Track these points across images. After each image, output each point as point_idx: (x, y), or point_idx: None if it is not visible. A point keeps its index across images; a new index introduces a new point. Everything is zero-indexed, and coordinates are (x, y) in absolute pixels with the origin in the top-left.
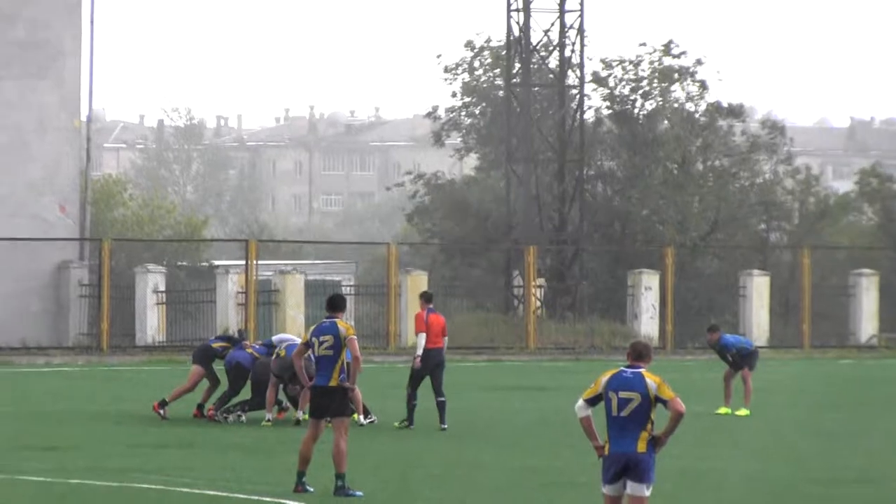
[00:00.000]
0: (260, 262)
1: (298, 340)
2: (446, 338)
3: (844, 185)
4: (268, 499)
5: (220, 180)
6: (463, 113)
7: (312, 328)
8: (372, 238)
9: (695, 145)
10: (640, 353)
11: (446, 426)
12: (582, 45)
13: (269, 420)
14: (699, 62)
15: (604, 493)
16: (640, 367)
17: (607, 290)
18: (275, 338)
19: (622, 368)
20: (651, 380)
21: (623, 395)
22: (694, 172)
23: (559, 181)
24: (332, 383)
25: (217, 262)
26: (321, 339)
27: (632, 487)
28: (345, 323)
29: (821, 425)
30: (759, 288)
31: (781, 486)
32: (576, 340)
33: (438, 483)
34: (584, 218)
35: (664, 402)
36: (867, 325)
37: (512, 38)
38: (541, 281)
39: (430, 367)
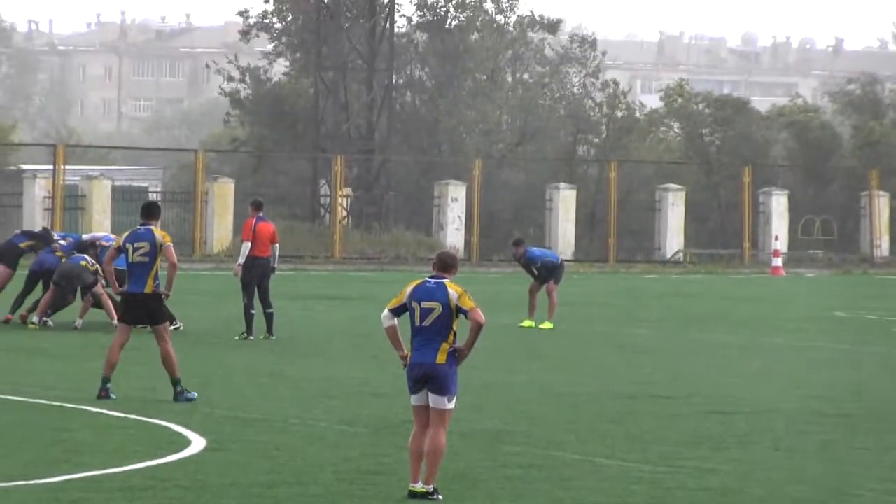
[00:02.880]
0: (67, 167)
1: (112, 238)
2: (276, 245)
3: (653, 100)
4: (69, 405)
5: (29, 84)
6: (274, 18)
7: (127, 234)
8: (180, 145)
9: (505, 57)
10: (445, 263)
11: (274, 336)
12: None
13: (38, 323)
14: None
15: (411, 404)
16: (444, 278)
17: (414, 200)
18: (86, 236)
19: (426, 279)
20: (453, 290)
21: (425, 305)
22: (503, 84)
23: (368, 90)
24: (148, 290)
25: (25, 167)
26: (136, 245)
27: (433, 400)
28: (160, 231)
29: (625, 340)
30: (565, 201)
31: (584, 399)
32: (381, 251)
33: (237, 391)
34: (392, 127)
35: (465, 313)
36: (673, 240)
37: None
38: (347, 190)
39: (257, 275)
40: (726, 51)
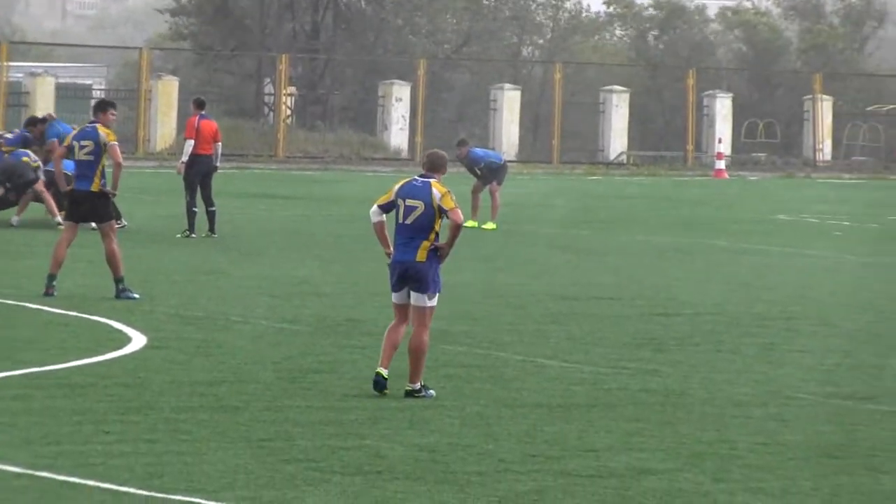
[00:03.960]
0: (11, 63)
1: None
2: (219, 143)
3: (598, 2)
4: (11, 301)
5: None
6: None
7: (75, 132)
8: (125, 43)
9: None
10: (433, 163)
11: (216, 235)
12: None
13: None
14: None
15: (392, 301)
16: (432, 178)
17: (358, 100)
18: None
19: (415, 177)
20: (437, 189)
21: (409, 202)
22: None
23: None
24: (94, 188)
25: None
26: (82, 143)
27: (414, 297)
28: (106, 129)
29: (569, 241)
30: (510, 102)
31: (527, 300)
32: (325, 150)
33: (178, 289)
34: (338, 27)
35: (445, 213)
36: (616, 142)
37: None
38: (292, 89)
39: (200, 173)
40: None
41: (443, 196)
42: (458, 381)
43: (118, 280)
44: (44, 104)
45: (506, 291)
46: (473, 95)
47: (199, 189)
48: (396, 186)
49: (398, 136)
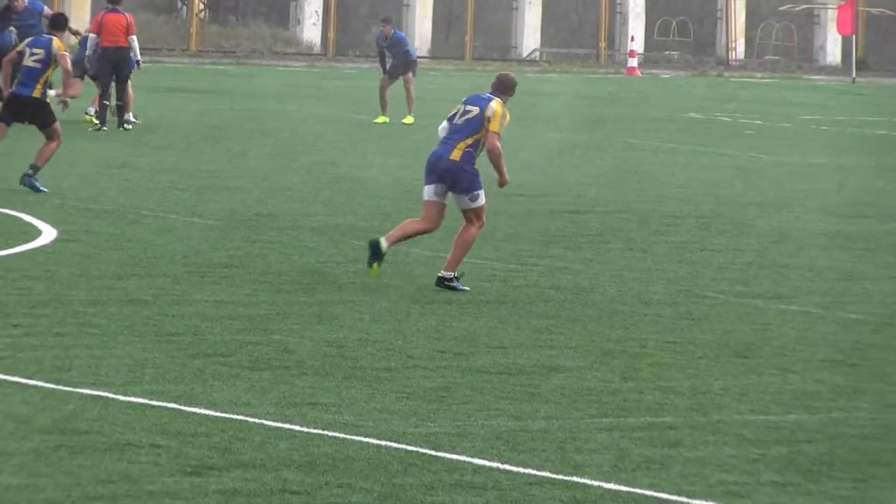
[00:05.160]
0: None
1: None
2: (133, 37)
3: None
4: None
5: None
6: None
7: (30, 39)
8: None
9: None
10: (502, 84)
11: (129, 127)
12: None
13: None
14: None
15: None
16: (498, 97)
17: None
18: None
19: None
20: (495, 104)
21: (469, 107)
22: None
23: None
24: (36, 94)
25: None
26: (33, 50)
27: (457, 200)
28: (60, 42)
29: None
30: None
31: None
32: (238, 45)
33: (88, 182)
34: None
35: (485, 129)
36: (530, 39)
37: None
38: None
39: (109, 66)
40: None
41: (495, 113)
42: (367, 277)
43: (34, 167)
44: None
45: (415, 187)
46: None
47: (112, 81)
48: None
49: (311, 31)
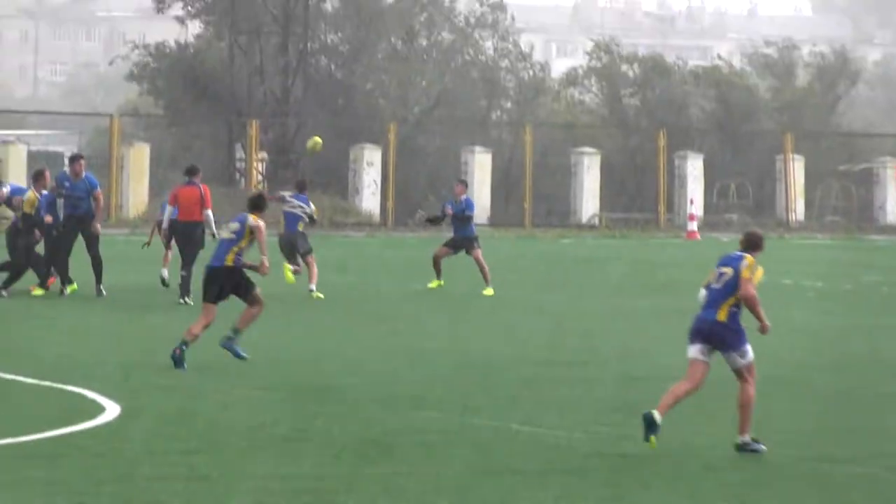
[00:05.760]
0: None
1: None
2: (208, 211)
3: (568, 63)
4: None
5: None
6: None
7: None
8: (96, 109)
9: (419, 20)
10: (750, 241)
11: (189, 302)
12: None
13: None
14: None
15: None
16: (748, 253)
17: (330, 165)
18: (4, 189)
19: (736, 252)
20: (746, 260)
21: (722, 269)
22: (417, 48)
23: (282, 54)
24: (228, 263)
25: None
26: (230, 225)
27: (727, 359)
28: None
29: (541, 305)
30: (481, 165)
31: (500, 365)
32: None
33: (151, 358)
34: (307, 91)
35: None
36: (588, 204)
37: None
38: (263, 154)
39: (179, 238)
40: (641, 13)
41: (749, 264)
42: (432, 448)
43: (236, 331)
44: (17, 172)
45: (478, 357)
46: (444, 159)
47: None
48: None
49: (370, 200)
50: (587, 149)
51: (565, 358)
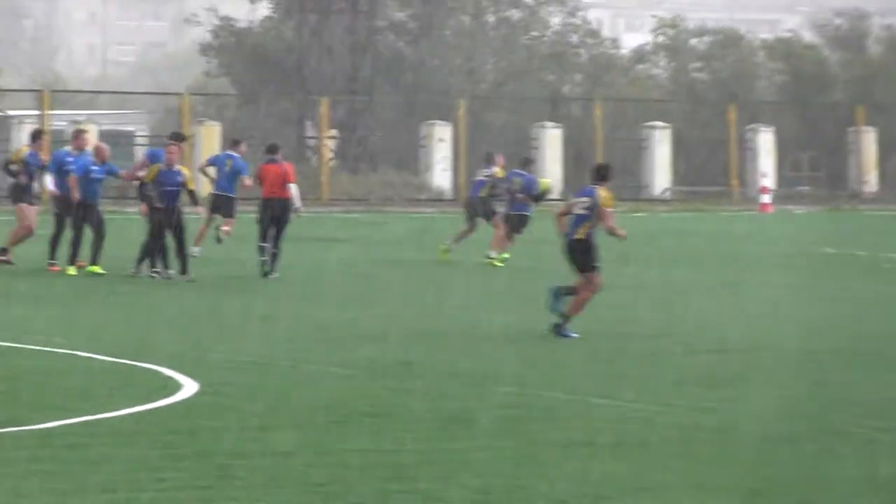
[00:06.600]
0: (54, 112)
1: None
2: (293, 185)
3: (637, 38)
4: (62, 350)
5: (14, 30)
6: None
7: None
8: (166, 88)
9: None
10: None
11: (276, 274)
12: None
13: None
14: None
15: None
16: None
17: (400, 141)
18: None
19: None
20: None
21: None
22: (485, 24)
23: (351, 32)
24: (579, 236)
25: (11, 112)
26: (580, 199)
27: None
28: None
29: (614, 279)
30: (551, 141)
31: (575, 339)
32: (369, 192)
33: (228, 334)
34: (376, 69)
35: None
36: (660, 178)
37: None
38: (333, 132)
39: (266, 215)
40: None
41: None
42: (510, 422)
43: (564, 317)
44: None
45: (526, 332)
46: (514, 134)
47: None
48: None
49: (441, 176)
50: (657, 123)
51: (640, 331)
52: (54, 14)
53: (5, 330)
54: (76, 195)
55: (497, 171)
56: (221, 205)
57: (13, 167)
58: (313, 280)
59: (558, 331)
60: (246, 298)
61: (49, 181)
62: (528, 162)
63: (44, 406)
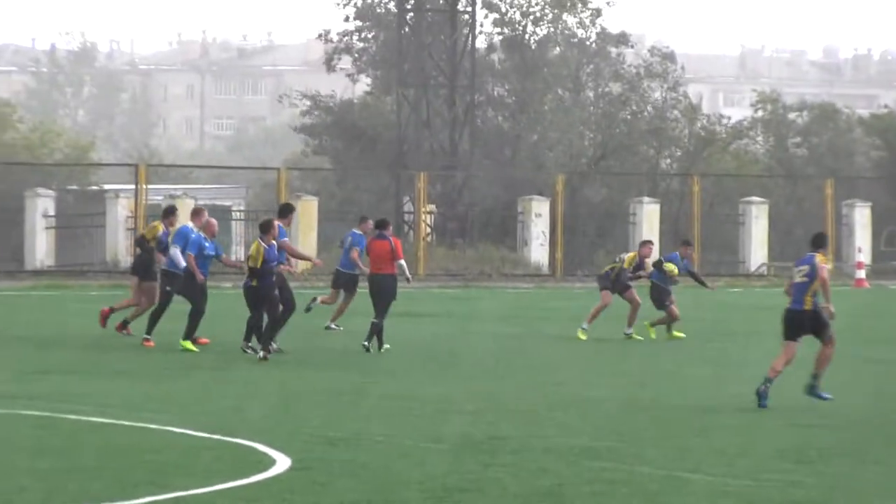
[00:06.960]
0: (150, 186)
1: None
2: (401, 262)
3: (736, 112)
4: (153, 426)
5: (111, 104)
6: (355, 37)
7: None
8: (263, 163)
9: (585, 71)
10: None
11: (387, 346)
12: None
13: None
14: None
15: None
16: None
17: (497, 216)
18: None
19: None
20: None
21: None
22: (584, 99)
23: (450, 106)
24: (807, 307)
25: (107, 187)
26: (800, 268)
27: None
28: (823, 256)
29: (710, 353)
30: (649, 215)
31: (669, 414)
32: (466, 267)
33: (321, 409)
34: (475, 144)
35: None
36: (757, 253)
37: None
38: (431, 207)
39: (372, 291)
40: (808, 63)
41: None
42: (603, 498)
43: (815, 376)
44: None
45: (648, 405)
46: (612, 209)
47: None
48: None
49: (538, 251)
50: (755, 198)
51: (734, 405)
52: (151, 88)
53: (98, 404)
54: (200, 276)
55: (629, 257)
56: (346, 281)
57: (148, 244)
58: (406, 355)
59: (812, 391)
60: (337, 372)
61: (178, 256)
62: (686, 244)
63: (136, 482)
